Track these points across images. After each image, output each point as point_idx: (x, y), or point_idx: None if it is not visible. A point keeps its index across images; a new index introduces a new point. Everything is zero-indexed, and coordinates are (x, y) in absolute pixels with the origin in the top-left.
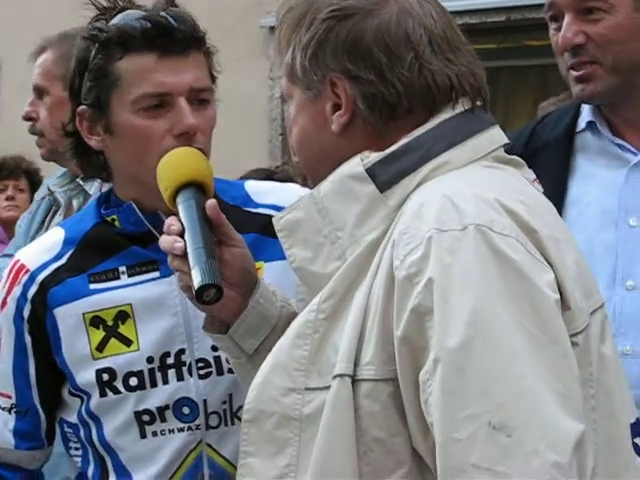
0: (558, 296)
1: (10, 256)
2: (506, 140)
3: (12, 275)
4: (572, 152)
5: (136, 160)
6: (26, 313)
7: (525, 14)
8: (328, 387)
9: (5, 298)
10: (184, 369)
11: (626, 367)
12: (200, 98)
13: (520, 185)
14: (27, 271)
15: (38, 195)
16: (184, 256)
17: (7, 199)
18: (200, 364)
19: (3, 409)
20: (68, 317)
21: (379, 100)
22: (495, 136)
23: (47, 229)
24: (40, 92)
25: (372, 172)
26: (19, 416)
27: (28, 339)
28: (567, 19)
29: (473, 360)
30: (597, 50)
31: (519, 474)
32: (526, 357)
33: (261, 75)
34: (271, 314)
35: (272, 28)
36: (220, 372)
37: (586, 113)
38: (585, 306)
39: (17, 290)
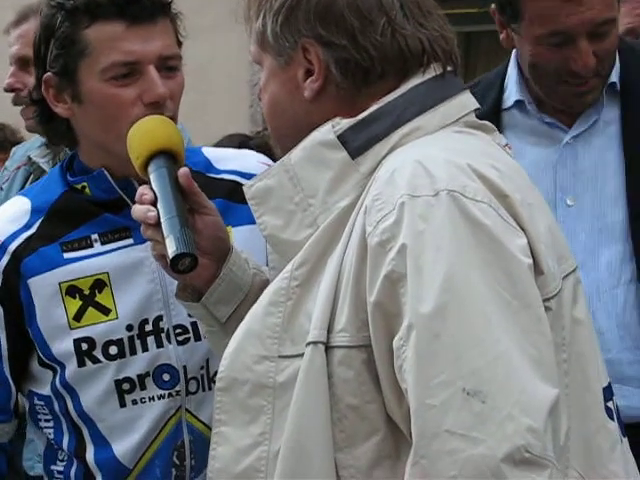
0: (531, 261)
1: None
2: (477, 105)
3: None
4: (500, 129)
5: (105, 128)
6: None
7: None
8: (301, 355)
9: None
10: (162, 336)
11: None
12: (169, 65)
13: (492, 150)
14: None
15: (11, 166)
16: (157, 225)
17: None
18: (178, 330)
19: None
20: (43, 287)
21: (352, 65)
22: (466, 101)
23: None
24: (26, 62)
25: (343, 139)
26: None
27: (0, 310)
28: (584, 45)
29: (447, 326)
30: (599, 64)
31: (494, 439)
32: (500, 322)
33: (242, 40)
34: (244, 282)
35: None
36: (197, 338)
37: (513, 90)
38: (558, 271)
39: None
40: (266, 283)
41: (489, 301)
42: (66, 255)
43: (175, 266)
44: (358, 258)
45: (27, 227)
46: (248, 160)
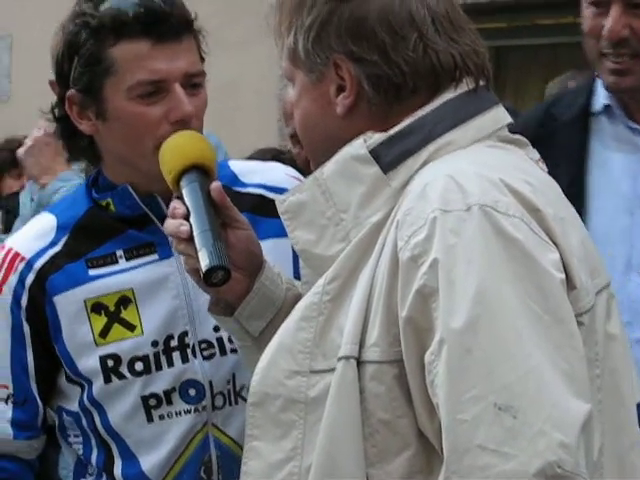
0: (563, 276)
1: None
2: (510, 120)
3: (7, 263)
4: (587, 135)
5: (130, 146)
6: (24, 301)
7: None
8: (333, 369)
9: (0, 287)
10: (188, 351)
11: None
12: (193, 83)
13: (524, 165)
14: (23, 259)
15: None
16: (190, 239)
17: (22, 187)
18: (203, 345)
19: (0, 399)
20: (69, 304)
21: (384, 81)
22: (499, 116)
23: None
24: None
25: (376, 153)
26: (17, 406)
27: (26, 328)
28: (616, 11)
29: (478, 340)
30: (639, 44)
31: (525, 455)
32: (532, 337)
33: (271, 54)
34: (276, 296)
35: None
36: (223, 352)
37: (601, 95)
38: (591, 285)
39: (13, 278)
40: (299, 297)
41: (521, 315)
42: (91, 272)
43: (208, 279)
44: (390, 273)
45: (53, 244)
46: (274, 173)
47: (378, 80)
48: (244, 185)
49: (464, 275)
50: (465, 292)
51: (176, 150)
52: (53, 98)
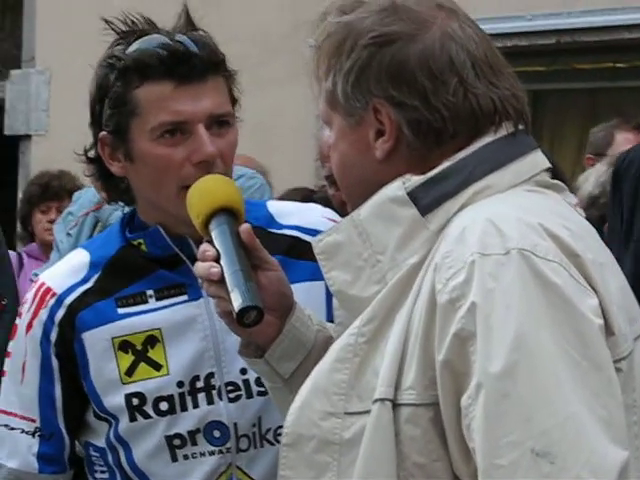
0: (602, 321)
1: None
2: (548, 164)
3: (38, 298)
4: None
5: (155, 188)
6: (53, 337)
7: (575, 37)
8: (368, 411)
9: (31, 321)
10: (214, 393)
11: None
12: (220, 123)
13: (563, 209)
14: (54, 294)
15: (77, 211)
16: (221, 281)
17: (49, 222)
18: (229, 387)
19: (27, 433)
20: (97, 341)
21: (424, 126)
22: (537, 160)
23: None
24: None
25: (413, 195)
26: (43, 440)
27: (55, 363)
28: None
29: (516, 386)
30: None
31: None
32: (570, 383)
33: (308, 93)
34: (307, 338)
35: None
36: (249, 395)
37: None
38: (629, 332)
39: (44, 313)
40: (329, 339)
41: (559, 361)
42: (120, 310)
43: (241, 320)
44: (427, 315)
45: (84, 281)
46: (311, 215)
47: (418, 125)
48: (280, 227)
49: (502, 319)
50: (503, 337)
51: (203, 194)
52: (90, 133)
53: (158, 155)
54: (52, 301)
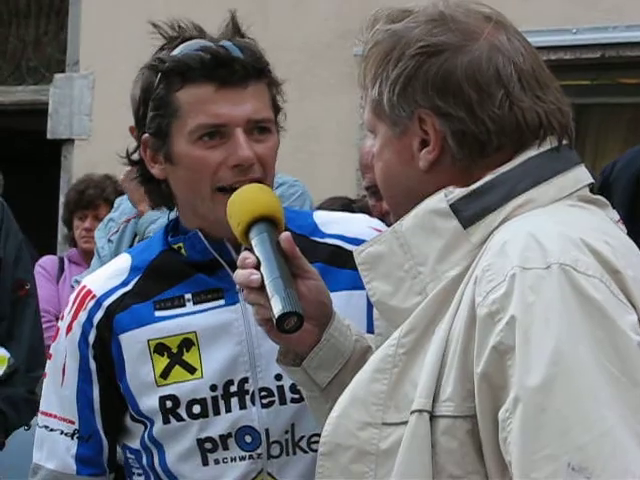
0: None
1: None
2: (591, 180)
3: (78, 300)
4: None
5: (192, 189)
6: (91, 338)
7: (620, 52)
8: (405, 422)
9: (71, 323)
10: (247, 397)
11: None
12: (259, 129)
13: (604, 225)
14: (93, 297)
15: (118, 218)
16: (261, 288)
17: (85, 230)
18: (263, 393)
19: (66, 434)
20: (133, 343)
21: (469, 138)
22: (580, 175)
23: None
24: None
25: (456, 208)
26: (82, 442)
27: (93, 365)
28: None
29: (554, 400)
30: None
31: None
32: (607, 399)
33: (352, 102)
34: (345, 348)
35: None
36: (283, 401)
37: None
38: None
39: (83, 315)
40: (368, 350)
41: (597, 377)
42: (157, 313)
43: (281, 325)
44: (466, 328)
45: (124, 284)
46: (356, 224)
47: (463, 136)
48: (323, 235)
49: (541, 334)
50: (542, 351)
51: (243, 203)
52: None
53: (195, 157)
54: (91, 303)
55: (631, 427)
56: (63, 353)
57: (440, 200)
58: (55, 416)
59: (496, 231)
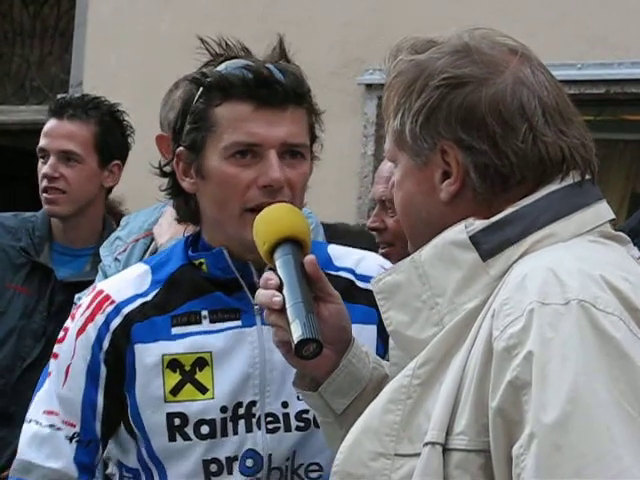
0: None
1: None
2: (612, 216)
3: (95, 303)
4: None
5: (220, 207)
6: (105, 344)
7: (624, 88)
8: (418, 454)
9: (85, 325)
10: (253, 421)
11: None
12: (293, 153)
13: (625, 262)
14: (112, 302)
15: (126, 237)
16: (282, 311)
17: None
18: (269, 418)
19: (66, 437)
20: (147, 356)
21: (491, 171)
22: (602, 211)
23: None
24: None
25: (475, 240)
26: (81, 446)
27: (103, 370)
28: None
29: (569, 438)
30: None
31: None
32: (623, 439)
33: (355, 132)
34: (362, 375)
35: (369, 85)
36: (287, 429)
37: None
38: None
39: (100, 319)
40: (385, 378)
41: (614, 416)
42: (174, 330)
43: (300, 351)
44: (483, 361)
45: (144, 294)
46: (367, 261)
47: (485, 169)
48: (336, 269)
49: (558, 370)
50: (558, 388)
51: (270, 222)
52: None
53: (227, 174)
54: (110, 308)
55: None
56: (70, 354)
57: (460, 231)
58: (58, 414)
59: (515, 264)
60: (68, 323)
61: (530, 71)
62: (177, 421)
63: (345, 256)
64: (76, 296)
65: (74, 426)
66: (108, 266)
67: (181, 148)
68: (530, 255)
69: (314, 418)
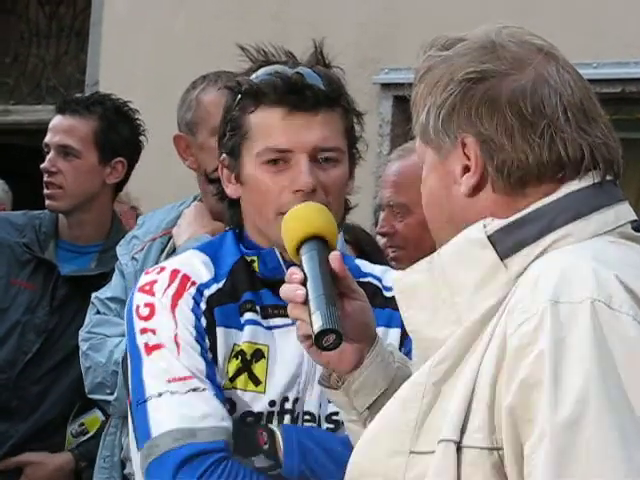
0: None
1: (115, 299)
2: (634, 217)
3: (177, 281)
4: None
5: (257, 211)
6: (204, 322)
7: None
8: (433, 452)
9: (175, 300)
10: (294, 417)
11: None
12: (325, 157)
13: None
14: (194, 283)
15: (143, 235)
16: (305, 304)
17: None
18: (307, 416)
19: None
20: (224, 340)
21: (508, 165)
22: (622, 212)
23: None
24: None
25: (494, 239)
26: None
27: (207, 344)
28: None
29: (579, 437)
30: None
31: None
32: (634, 439)
33: (371, 131)
34: (386, 374)
35: (385, 85)
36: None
37: None
38: None
39: (188, 297)
40: (409, 377)
41: (625, 416)
42: (242, 319)
43: (319, 342)
44: (497, 360)
45: (216, 280)
46: (392, 274)
47: (503, 164)
48: (365, 275)
49: (571, 369)
50: (570, 387)
51: (298, 219)
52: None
53: (260, 180)
54: (193, 289)
55: None
56: (171, 325)
57: (479, 230)
58: (192, 378)
59: (533, 264)
60: (146, 299)
61: (555, 69)
62: (227, 406)
63: (371, 267)
64: (93, 295)
65: (208, 386)
66: (125, 264)
67: (224, 155)
68: (547, 255)
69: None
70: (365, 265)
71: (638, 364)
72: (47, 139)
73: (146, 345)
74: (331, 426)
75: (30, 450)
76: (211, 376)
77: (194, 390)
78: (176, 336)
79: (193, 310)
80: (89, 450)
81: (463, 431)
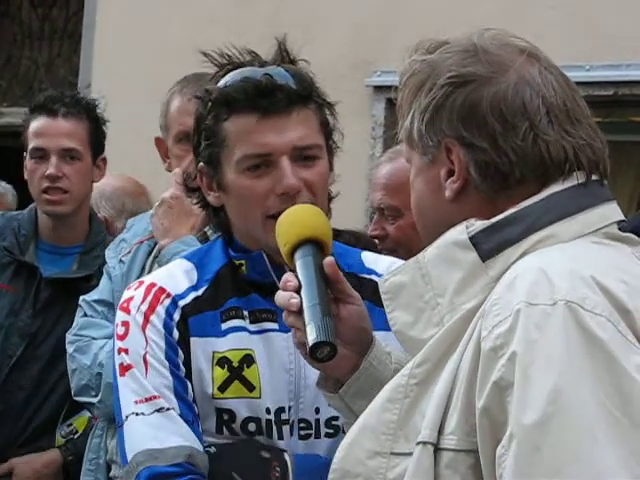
0: None
1: (102, 302)
2: (620, 217)
3: (151, 295)
4: None
5: (243, 217)
6: (176, 334)
7: (633, 90)
8: (412, 453)
9: (147, 317)
10: (287, 427)
11: None
12: (305, 155)
13: (627, 263)
14: (168, 294)
15: (131, 239)
16: (299, 312)
17: None
18: (302, 424)
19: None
20: (201, 351)
21: (491, 169)
22: (608, 212)
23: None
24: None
25: (475, 240)
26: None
27: (181, 355)
28: None
29: (548, 439)
30: None
31: None
32: (605, 440)
33: (363, 133)
34: (384, 377)
35: (377, 87)
36: (317, 435)
37: None
38: None
39: (161, 310)
40: None
41: (596, 417)
42: (224, 326)
43: (314, 354)
44: (472, 361)
45: (195, 288)
46: (390, 261)
47: (486, 167)
48: (369, 271)
49: (542, 371)
50: (541, 389)
51: (291, 224)
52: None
53: (243, 186)
54: (167, 301)
55: (630, 468)
56: (142, 344)
57: (461, 232)
58: (158, 397)
59: (513, 265)
60: (123, 317)
61: (537, 71)
62: (226, 416)
63: (376, 261)
64: (81, 297)
65: (174, 404)
66: (113, 267)
67: (201, 164)
68: (527, 256)
69: (343, 425)
70: (370, 260)
71: (611, 365)
72: (43, 143)
73: (121, 365)
74: (330, 431)
75: (19, 455)
76: (181, 393)
77: (159, 411)
78: (145, 354)
79: (165, 324)
80: (77, 446)
81: (440, 433)
